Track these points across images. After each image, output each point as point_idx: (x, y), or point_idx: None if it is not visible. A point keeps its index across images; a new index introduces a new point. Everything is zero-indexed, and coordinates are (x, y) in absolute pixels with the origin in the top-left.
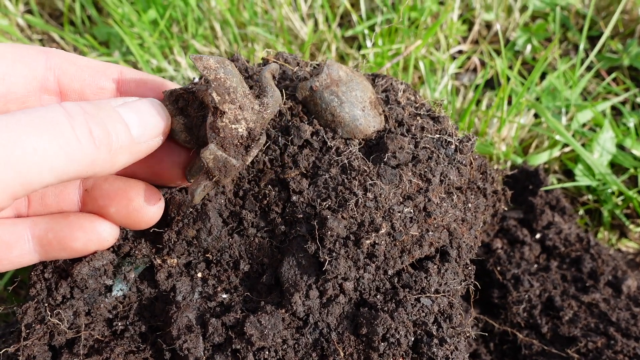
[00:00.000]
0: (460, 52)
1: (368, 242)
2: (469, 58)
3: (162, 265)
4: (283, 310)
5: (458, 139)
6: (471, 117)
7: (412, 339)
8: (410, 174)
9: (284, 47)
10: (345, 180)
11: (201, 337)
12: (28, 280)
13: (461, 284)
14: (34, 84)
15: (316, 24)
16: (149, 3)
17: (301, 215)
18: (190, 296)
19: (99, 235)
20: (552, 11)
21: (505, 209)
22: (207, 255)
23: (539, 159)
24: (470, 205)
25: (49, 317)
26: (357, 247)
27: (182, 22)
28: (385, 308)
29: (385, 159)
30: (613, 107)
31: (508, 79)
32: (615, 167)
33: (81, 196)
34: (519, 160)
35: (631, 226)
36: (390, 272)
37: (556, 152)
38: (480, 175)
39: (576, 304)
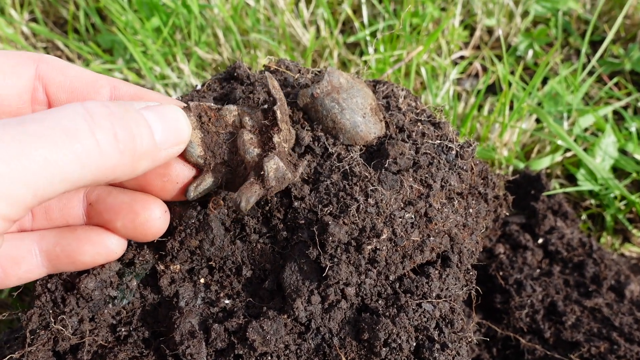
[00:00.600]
0: (462, 57)
1: (369, 247)
2: (470, 64)
3: (165, 271)
4: (285, 316)
5: (459, 145)
6: (473, 122)
7: (414, 344)
8: (411, 179)
9: (286, 54)
10: (347, 186)
11: (204, 343)
12: (33, 289)
13: (462, 289)
14: (26, 96)
15: (318, 30)
16: (153, 11)
17: (303, 221)
18: (193, 302)
19: (107, 248)
20: (553, 16)
21: (507, 214)
22: (210, 262)
23: (541, 164)
24: (471, 210)
25: (53, 323)
26: (358, 253)
27: (185, 30)
28: (387, 313)
29: (386, 165)
30: (615, 112)
31: (510, 84)
32: (618, 171)
33: (85, 210)
34: (521, 165)
35: (634, 231)
36: (391, 278)
37: (558, 157)
38: (482, 181)
39: (579, 308)
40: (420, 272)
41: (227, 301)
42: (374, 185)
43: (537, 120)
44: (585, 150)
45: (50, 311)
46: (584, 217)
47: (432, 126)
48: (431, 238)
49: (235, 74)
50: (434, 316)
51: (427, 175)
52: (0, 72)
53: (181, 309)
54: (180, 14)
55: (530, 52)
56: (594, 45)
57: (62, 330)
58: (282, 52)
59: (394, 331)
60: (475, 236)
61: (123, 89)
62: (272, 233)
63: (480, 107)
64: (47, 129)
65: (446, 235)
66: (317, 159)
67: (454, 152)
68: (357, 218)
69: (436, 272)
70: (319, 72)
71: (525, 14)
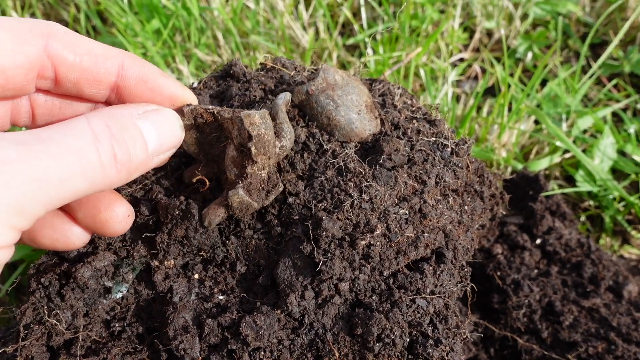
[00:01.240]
0: (461, 59)
1: (363, 243)
2: (470, 66)
3: (160, 266)
4: (279, 311)
5: (454, 142)
6: (472, 123)
7: (408, 339)
8: (405, 175)
9: (286, 56)
10: (341, 182)
11: (197, 338)
12: (27, 286)
13: (457, 286)
14: (31, 74)
15: (317, 32)
16: (153, 13)
17: (297, 217)
18: (187, 297)
19: (66, 237)
20: (553, 19)
21: (504, 212)
22: (202, 253)
23: (540, 165)
24: (466, 207)
25: (47, 317)
26: (352, 248)
27: (185, 32)
28: (381, 309)
29: (380, 161)
30: (614, 114)
31: (509, 85)
32: (617, 173)
33: None
34: (520, 166)
35: (633, 232)
36: (385, 273)
37: (557, 158)
38: (478, 179)
39: (577, 309)
40: (414, 268)
41: (221, 297)
42: (369, 181)
43: (536, 122)
44: (584, 151)
45: (45, 305)
46: (583, 218)
47: (428, 123)
48: (425, 234)
49: (232, 72)
50: (428, 312)
51: (421, 171)
52: (10, 52)
53: (175, 304)
54: (180, 16)
55: (530, 55)
56: (593, 47)
57: (56, 324)
58: (282, 53)
59: (387, 326)
60: (471, 233)
61: (130, 69)
62: (267, 229)
63: (479, 109)
64: (64, 149)
65: (441, 231)
66: (312, 155)
67: (449, 149)
68: (351, 214)
69: (430, 268)
70: (315, 69)
71: (524, 16)
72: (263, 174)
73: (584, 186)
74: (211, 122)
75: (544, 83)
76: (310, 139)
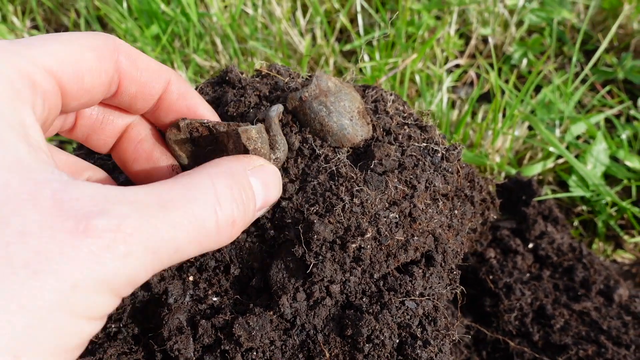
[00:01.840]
0: (457, 66)
1: (354, 246)
2: (465, 72)
3: None
4: (271, 312)
5: (445, 148)
6: (466, 129)
7: (397, 340)
8: (396, 180)
9: (283, 61)
10: (333, 186)
11: (191, 338)
12: None
13: (446, 288)
14: (108, 90)
15: (314, 38)
16: (152, 19)
17: (290, 220)
18: (181, 299)
19: None
20: (548, 26)
21: (495, 217)
22: (196, 256)
23: (533, 170)
24: (456, 212)
25: None
26: (343, 251)
27: (183, 37)
28: (371, 310)
29: (372, 166)
30: (607, 120)
31: (503, 92)
32: (609, 178)
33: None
34: (513, 172)
35: (626, 237)
36: (376, 276)
37: (550, 164)
38: (468, 183)
39: (567, 312)
40: (404, 270)
41: (215, 298)
42: (360, 186)
43: (530, 128)
44: (577, 157)
45: None
46: (576, 223)
47: (419, 129)
48: (415, 238)
49: (227, 78)
50: (417, 314)
51: (412, 176)
52: (95, 69)
53: (170, 305)
54: (179, 22)
55: (525, 61)
56: (588, 54)
57: None
58: (279, 59)
59: (377, 328)
60: (461, 237)
61: (175, 85)
62: (260, 232)
63: (474, 115)
64: (185, 219)
65: (430, 235)
66: (305, 160)
67: (439, 154)
68: (342, 217)
69: (420, 271)
70: (309, 76)
71: (520, 23)
72: None
73: (576, 191)
74: (207, 135)
75: (538, 89)
76: (304, 144)
